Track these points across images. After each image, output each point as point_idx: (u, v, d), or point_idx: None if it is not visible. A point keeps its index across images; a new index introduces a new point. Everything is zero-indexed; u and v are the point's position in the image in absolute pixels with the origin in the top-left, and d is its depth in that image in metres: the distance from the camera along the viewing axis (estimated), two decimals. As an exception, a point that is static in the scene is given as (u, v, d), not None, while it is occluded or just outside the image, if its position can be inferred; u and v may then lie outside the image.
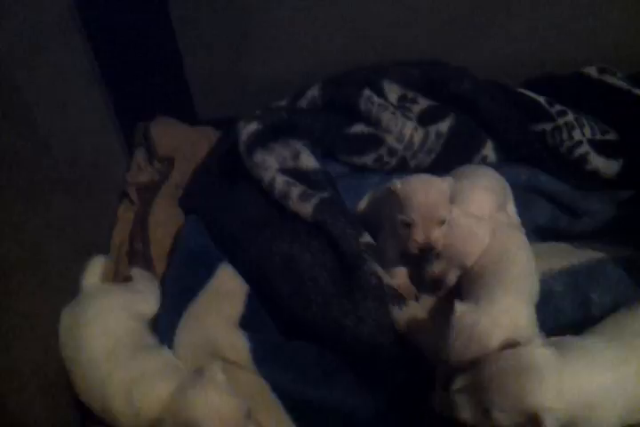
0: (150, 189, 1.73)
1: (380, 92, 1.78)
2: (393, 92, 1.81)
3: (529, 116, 1.78)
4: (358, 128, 1.74)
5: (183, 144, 1.87)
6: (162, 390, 1.09)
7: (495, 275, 1.16)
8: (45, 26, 1.40)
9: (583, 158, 1.70)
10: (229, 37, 1.86)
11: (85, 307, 1.26)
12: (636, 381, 0.97)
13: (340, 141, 1.73)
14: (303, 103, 1.81)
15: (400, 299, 1.29)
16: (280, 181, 1.49)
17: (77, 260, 1.39)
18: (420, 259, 1.30)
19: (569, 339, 1.05)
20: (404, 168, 1.73)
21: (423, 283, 1.33)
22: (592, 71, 1.89)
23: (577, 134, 1.72)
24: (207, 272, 1.41)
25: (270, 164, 1.54)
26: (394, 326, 1.27)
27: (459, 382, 1.02)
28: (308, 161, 1.58)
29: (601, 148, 1.71)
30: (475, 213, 1.30)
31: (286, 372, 1.25)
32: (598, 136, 1.77)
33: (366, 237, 1.39)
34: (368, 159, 1.73)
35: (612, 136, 1.78)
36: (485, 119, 1.76)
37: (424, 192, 1.23)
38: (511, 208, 1.49)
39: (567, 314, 1.29)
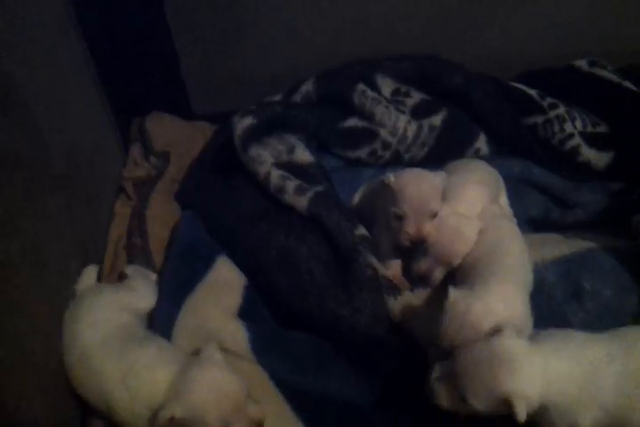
0: (147, 184, 1.74)
1: (374, 86, 1.79)
2: (386, 86, 1.82)
3: (521, 110, 1.80)
4: (352, 122, 1.75)
5: (178, 139, 1.88)
6: (159, 376, 1.09)
7: (489, 265, 1.17)
8: (42, 23, 1.40)
9: (574, 150, 1.71)
10: (224, 33, 1.87)
11: (79, 304, 1.28)
12: (617, 380, 0.97)
13: (335, 135, 1.74)
14: (297, 98, 1.81)
15: (395, 289, 1.31)
16: (275, 175, 1.50)
17: (75, 255, 1.40)
18: (412, 251, 1.32)
19: (551, 331, 1.08)
20: (397, 161, 1.74)
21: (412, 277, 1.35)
22: (583, 64, 1.90)
23: (568, 127, 1.74)
24: (205, 265, 1.42)
25: (265, 158, 1.55)
26: (389, 317, 1.29)
27: (437, 371, 1.05)
28: (303, 155, 1.59)
29: (592, 140, 1.73)
30: (465, 210, 1.31)
31: (284, 362, 1.27)
32: (589, 128, 1.78)
33: (361, 230, 1.41)
34: (362, 153, 1.74)
35: (602, 128, 1.80)
36: (478, 113, 1.77)
37: (416, 185, 1.25)
38: (504, 200, 1.50)
39: (559, 303, 1.30)
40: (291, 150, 1.60)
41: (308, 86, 1.81)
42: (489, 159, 1.62)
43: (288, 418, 1.20)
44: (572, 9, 1.93)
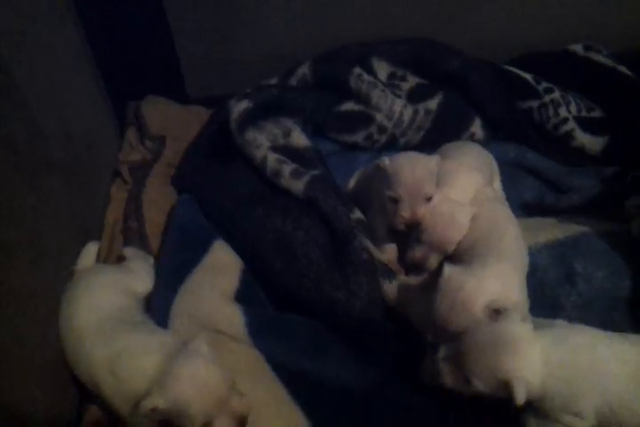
0: (143, 168, 1.74)
1: (370, 70, 1.79)
2: (382, 69, 1.82)
3: (516, 94, 1.81)
4: (348, 106, 1.75)
5: (174, 123, 1.87)
6: (146, 363, 1.09)
7: (487, 247, 1.18)
8: (35, 7, 1.39)
9: (569, 135, 1.73)
10: (220, 16, 1.86)
11: (76, 285, 1.28)
12: (624, 377, 0.99)
13: (331, 119, 1.74)
14: (293, 81, 1.81)
15: (390, 273, 1.32)
16: (272, 158, 1.50)
17: (73, 240, 1.40)
18: (407, 235, 1.33)
19: (562, 322, 1.10)
20: (393, 146, 1.75)
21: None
22: (578, 49, 1.91)
23: (563, 111, 1.75)
24: (202, 249, 1.42)
25: (262, 142, 1.55)
26: (384, 300, 1.30)
27: (443, 352, 1.07)
28: (300, 139, 1.60)
29: (586, 125, 1.74)
30: (458, 195, 1.32)
31: (281, 345, 1.27)
32: (584, 113, 1.80)
33: (357, 214, 1.41)
34: (358, 137, 1.74)
35: (597, 113, 1.81)
36: (473, 97, 1.78)
37: (411, 169, 1.26)
38: (497, 184, 1.51)
39: (552, 286, 1.31)
40: (287, 134, 1.61)
41: (304, 70, 1.81)
42: (484, 143, 1.63)
43: (285, 401, 1.20)
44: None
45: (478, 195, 1.33)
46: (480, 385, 0.99)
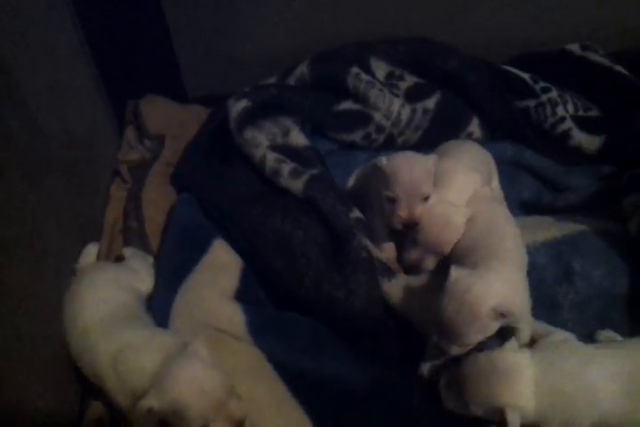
0: (142, 167, 1.74)
1: (368, 70, 1.79)
2: (380, 69, 1.82)
3: (514, 93, 1.81)
4: (346, 105, 1.75)
5: (173, 122, 1.88)
6: (146, 362, 1.10)
7: (488, 247, 1.18)
8: (36, 7, 1.39)
9: (566, 134, 1.73)
10: (219, 15, 1.86)
11: (79, 282, 1.28)
12: (609, 387, 1.01)
13: (329, 119, 1.74)
14: (292, 80, 1.81)
15: (389, 272, 1.32)
16: (271, 158, 1.51)
17: (73, 239, 1.41)
18: (405, 234, 1.33)
19: (557, 340, 1.12)
20: (391, 145, 1.75)
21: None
22: (575, 48, 1.91)
23: (560, 110, 1.76)
24: (201, 248, 1.43)
25: (261, 141, 1.55)
26: (384, 299, 1.30)
27: (444, 378, 1.11)
28: (298, 138, 1.60)
29: (583, 124, 1.74)
30: (456, 195, 1.32)
31: (281, 344, 1.28)
32: (581, 112, 1.80)
33: (356, 213, 1.42)
34: (357, 136, 1.74)
35: (594, 112, 1.82)
36: (471, 96, 1.78)
37: (408, 168, 1.26)
38: (495, 183, 1.51)
39: (550, 284, 1.32)
40: (286, 133, 1.61)
41: (302, 69, 1.80)
42: (482, 143, 1.63)
43: (286, 400, 1.21)
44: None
45: (476, 194, 1.33)
46: (477, 411, 1.03)
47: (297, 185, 1.45)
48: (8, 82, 1.21)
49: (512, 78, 1.83)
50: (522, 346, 1.11)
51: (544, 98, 1.77)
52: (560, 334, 1.15)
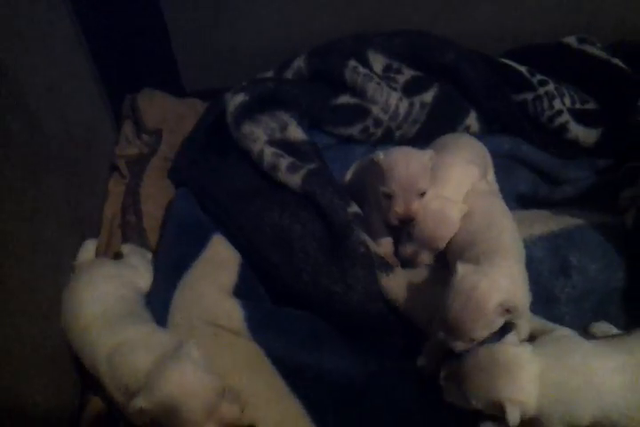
0: (140, 161, 1.74)
1: (366, 63, 1.78)
2: (378, 62, 1.82)
3: (511, 86, 1.81)
4: (344, 99, 1.75)
5: (170, 116, 1.88)
6: (141, 359, 1.11)
7: (488, 242, 1.18)
8: (33, 2, 1.39)
9: (563, 127, 1.74)
10: (216, 9, 1.86)
11: (79, 277, 1.29)
12: (610, 382, 1.01)
13: (327, 112, 1.73)
14: (289, 74, 1.80)
15: (387, 266, 1.33)
16: (269, 152, 1.50)
17: (72, 234, 1.41)
18: (402, 229, 1.33)
19: (559, 335, 1.12)
20: (389, 139, 1.75)
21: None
22: (572, 41, 1.91)
23: (557, 104, 1.76)
24: (200, 244, 1.43)
25: (258, 135, 1.55)
26: (382, 293, 1.31)
27: (444, 371, 1.12)
28: (296, 133, 1.60)
29: (580, 117, 1.75)
30: (454, 189, 1.32)
31: (280, 338, 1.28)
32: (578, 105, 1.80)
33: (354, 207, 1.42)
34: (354, 130, 1.74)
35: (591, 105, 1.82)
36: (469, 89, 1.78)
37: (405, 164, 1.26)
38: (491, 176, 1.51)
39: (547, 278, 1.32)
40: (283, 128, 1.61)
41: (299, 62, 1.80)
42: (479, 136, 1.62)
43: (284, 395, 1.22)
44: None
45: (474, 189, 1.34)
46: (477, 404, 1.03)
47: (295, 180, 1.45)
48: (7, 78, 1.21)
49: (509, 71, 1.83)
50: (522, 341, 1.11)
51: (541, 91, 1.78)
52: (562, 331, 1.15)
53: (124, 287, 1.29)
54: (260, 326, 1.29)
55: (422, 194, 1.26)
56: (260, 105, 1.62)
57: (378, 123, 1.73)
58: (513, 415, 0.98)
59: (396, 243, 1.38)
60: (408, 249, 1.31)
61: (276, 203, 1.45)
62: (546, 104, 1.76)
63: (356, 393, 1.23)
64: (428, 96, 1.76)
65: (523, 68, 1.83)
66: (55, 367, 1.22)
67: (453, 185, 1.33)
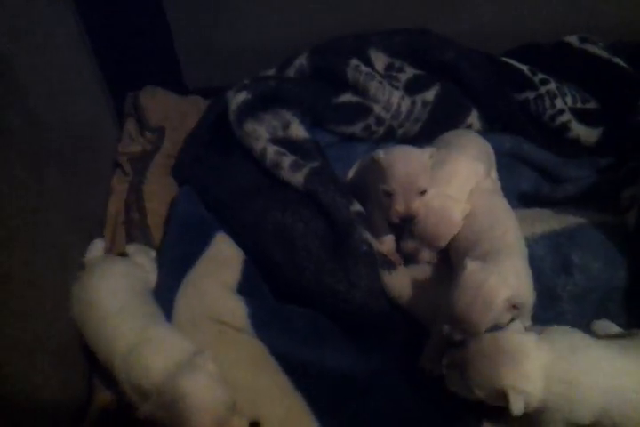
0: (143, 159, 1.74)
1: (368, 61, 1.78)
2: (379, 60, 1.81)
3: (512, 85, 1.81)
4: (346, 97, 1.75)
5: (173, 114, 1.88)
6: (157, 365, 1.11)
7: (493, 240, 1.19)
8: (35, 0, 1.39)
9: (565, 126, 1.74)
10: (218, 6, 1.86)
11: (91, 273, 1.29)
12: (617, 382, 1.00)
13: (329, 111, 1.73)
14: (291, 72, 1.80)
15: (389, 264, 1.34)
16: (271, 150, 1.51)
17: (75, 231, 1.41)
18: (404, 227, 1.34)
19: (559, 329, 1.10)
20: (391, 137, 1.75)
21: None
22: (574, 40, 1.91)
23: (559, 103, 1.76)
24: (203, 241, 1.43)
25: (261, 133, 1.55)
26: (384, 291, 1.32)
27: (447, 359, 1.10)
28: (299, 131, 1.60)
29: (582, 116, 1.75)
30: (459, 186, 1.32)
31: (283, 336, 1.29)
32: (579, 104, 1.81)
33: (356, 206, 1.43)
34: (356, 128, 1.74)
35: (592, 105, 1.82)
36: (470, 88, 1.78)
37: (404, 162, 1.26)
38: (494, 174, 1.51)
39: (549, 276, 1.33)
40: (286, 126, 1.61)
41: (301, 60, 1.79)
42: (480, 134, 1.62)
43: (288, 392, 1.22)
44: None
45: (478, 187, 1.34)
46: (481, 394, 1.02)
47: (297, 178, 1.46)
48: (8, 75, 1.20)
49: (511, 70, 1.83)
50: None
51: (543, 90, 1.78)
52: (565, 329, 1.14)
53: (138, 284, 1.30)
54: (264, 324, 1.30)
55: (423, 192, 1.27)
56: (262, 103, 1.62)
57: (380, 121, 1.73)
58: (516, 404, 0.97)
59: (399, 241, 1.39)
60: (409, 246, 1.32)
61: (278, 201, 1.45)
62: (547, 103, 1.76)
63: (359, 390, 1.24)
64: (430, 95, 1.76)
65: (524, 67, 1.83)
66: (62, 363, 1.22)
67: (459, 182, 1.33)
